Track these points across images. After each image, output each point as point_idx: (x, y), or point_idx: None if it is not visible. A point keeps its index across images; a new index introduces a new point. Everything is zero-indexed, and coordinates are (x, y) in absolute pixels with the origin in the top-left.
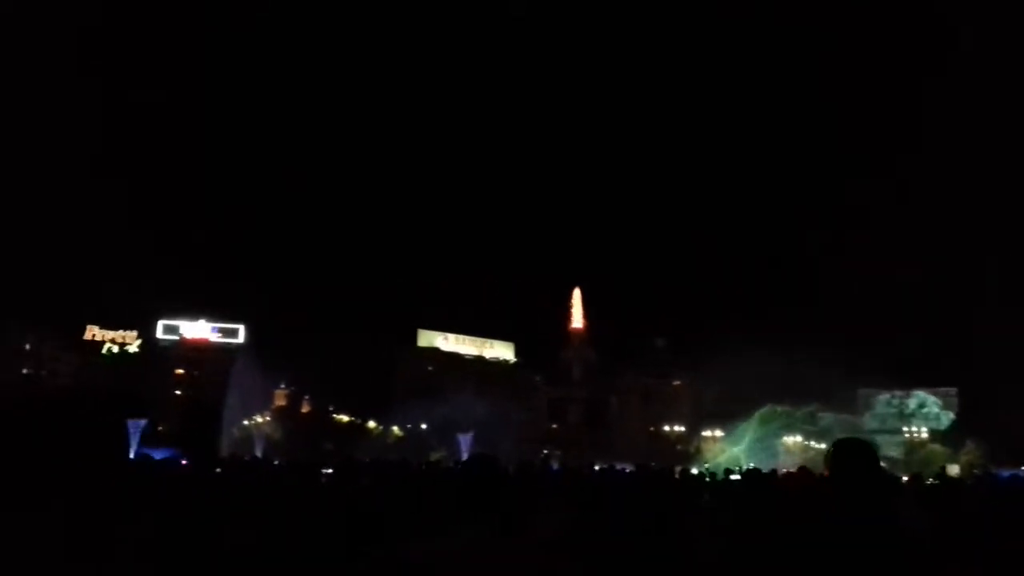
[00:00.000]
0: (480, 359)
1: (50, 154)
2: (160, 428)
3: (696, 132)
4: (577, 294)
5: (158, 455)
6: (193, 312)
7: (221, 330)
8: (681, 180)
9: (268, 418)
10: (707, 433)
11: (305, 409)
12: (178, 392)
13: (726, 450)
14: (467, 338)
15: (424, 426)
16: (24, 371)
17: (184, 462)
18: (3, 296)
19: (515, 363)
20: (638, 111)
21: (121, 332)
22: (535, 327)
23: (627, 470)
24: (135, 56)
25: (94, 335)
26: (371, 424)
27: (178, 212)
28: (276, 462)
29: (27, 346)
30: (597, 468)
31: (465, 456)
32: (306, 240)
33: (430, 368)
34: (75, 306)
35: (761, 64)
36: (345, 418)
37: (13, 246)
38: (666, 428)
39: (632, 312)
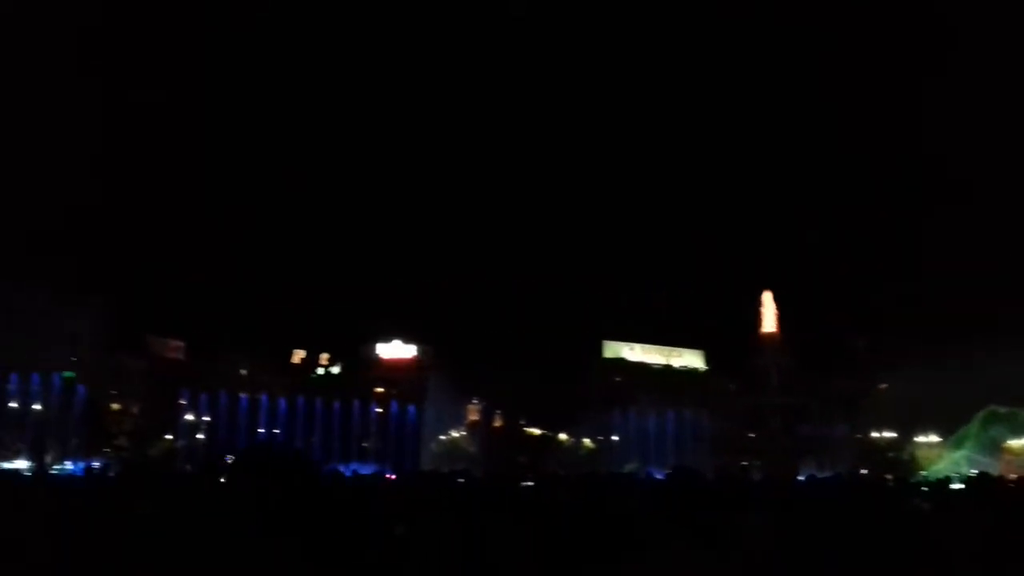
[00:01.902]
0: (668, 368)
1: (255, 197)
2: (365, 445)
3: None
4: (768, 297)
5: (364, 470)
6: (389, 334)
7: (415, 350)
8: (869, 174)
9: (463, 433)
10: (921, 439)
11: (497, 423)
12: (379, 410)
13: (944, 456)
14: (654, 347)
15: (615, 437)
16: (242, 394)
17: (389, 476)
18: (221, 327)
19: (705, 371)
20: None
21: (325, 355)
22: (724, 334)
23: (833, 479)
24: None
25: (302, 359)
26: (562, 436)
27: (366, 239)
28: (465, 475)
29: (243, 371)
30: (801, 478)
31: (655, 468)
32: (492, 259)
33: (617, 379)
34: (283, 333)
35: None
36: (536, 431)
37: (226, 281)
38: (874, 434)
39: (826, 313)
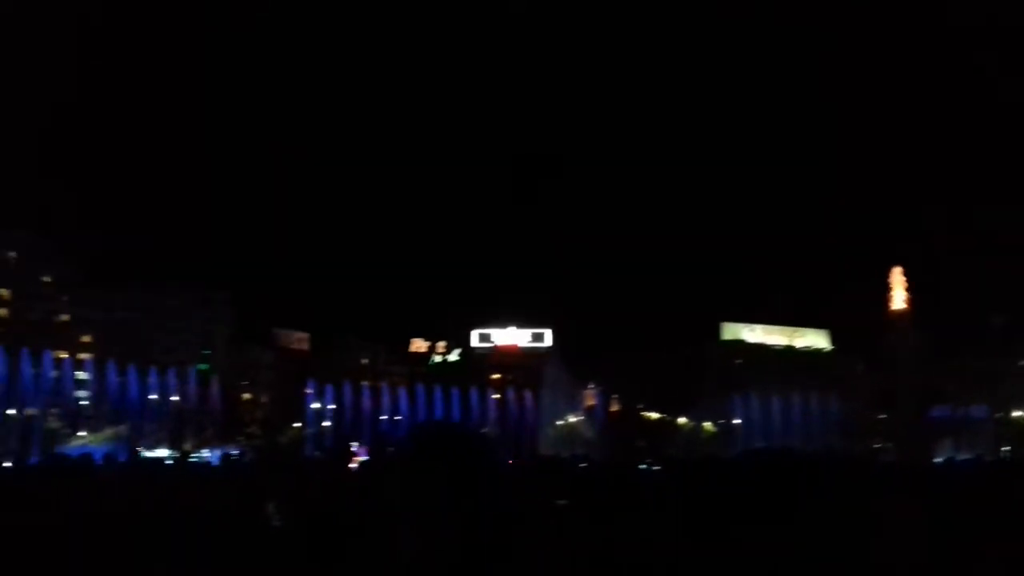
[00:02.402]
0: (790, 349)
1: (370, 189)
2: (484, 431)
3: None
4: (897, 273)
5: None
6: (503, 320)
7: (530, 335)
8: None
9: (580, 417)
10: None
11: (614, 408)
12: (496, 396)
13: None
14: (775, 328)
15: (737, 421)
16: (363, 383)
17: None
18: (343, 318)
19: (831, 351)
20: None
21: (442, 343)
22: (850, 312)
23: (972, 461)
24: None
25: (419, 347)
26: (681, 420)
27: (481, 226)
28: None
29: (364, 360)
30: (939, 461)
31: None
32: (606, 243)
33: (737, 361)
34: (402, 322)
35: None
36: (654, 415)
37: (347, 273)
38: (1016, 413)
39: (960, 289)
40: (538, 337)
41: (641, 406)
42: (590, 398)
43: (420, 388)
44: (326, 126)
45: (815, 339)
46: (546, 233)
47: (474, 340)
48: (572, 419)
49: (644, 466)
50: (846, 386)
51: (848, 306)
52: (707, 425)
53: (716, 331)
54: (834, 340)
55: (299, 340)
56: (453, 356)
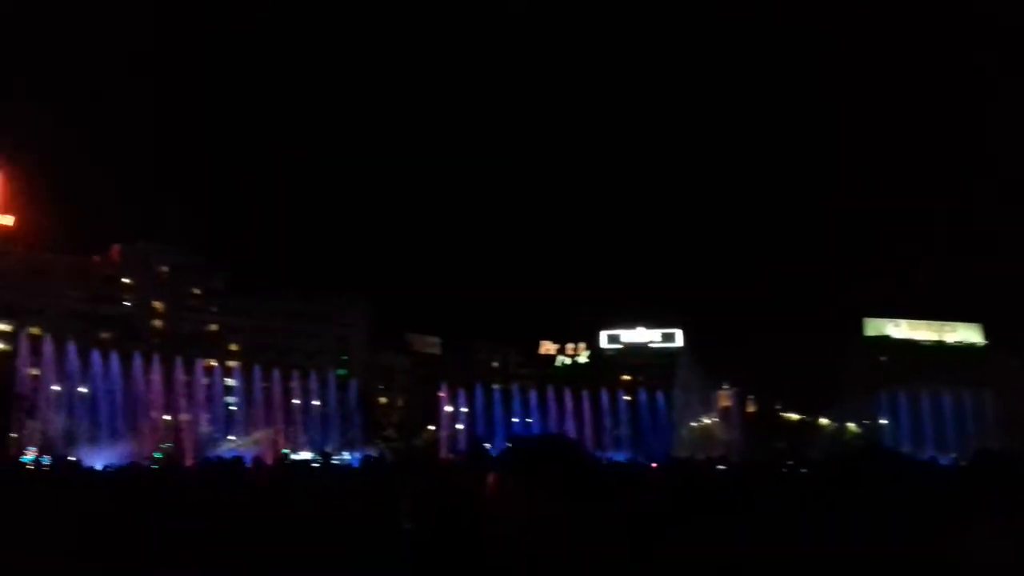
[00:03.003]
0: (940, 345)
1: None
2: (616, 433)
3: None
4: None
5: (618, 458)
6: (632, 320)
7: (660, 335)
8: None
9: (715, 419)
10: None
11: (751, 409)
12: (627, 398)
13: None
14: (923, 323)
15: (883, 421)
16: (495, 386)
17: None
18: (474, 320)
19: (984, 346)
20: None
21: (571, 344)
22: (1005, 304)
23: None
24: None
25: (548, 349)
26: (823, 421)
27: (606, 226)
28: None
29: (494, 363)
30: None
31: (938, 454)
32: (738, 238)
33: (882, 358)
34: (531, 324)
35: None
36: (794, 416)
37: (476, 278)
38: None
39: None
40: (668, 337)
41: (779, 407)
42: (725, 399)
43: (550, 390)
44: (451, 132)
45: (967, 333)
46: (674, 231)
47: (603, 341)
48: (706, 420)
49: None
50: (1002, 383)
51: (1002, 298)
52: (851, 426)
53: (859, 327)
54: (987, 335)
55: (431, 344)
56: (582, 357)
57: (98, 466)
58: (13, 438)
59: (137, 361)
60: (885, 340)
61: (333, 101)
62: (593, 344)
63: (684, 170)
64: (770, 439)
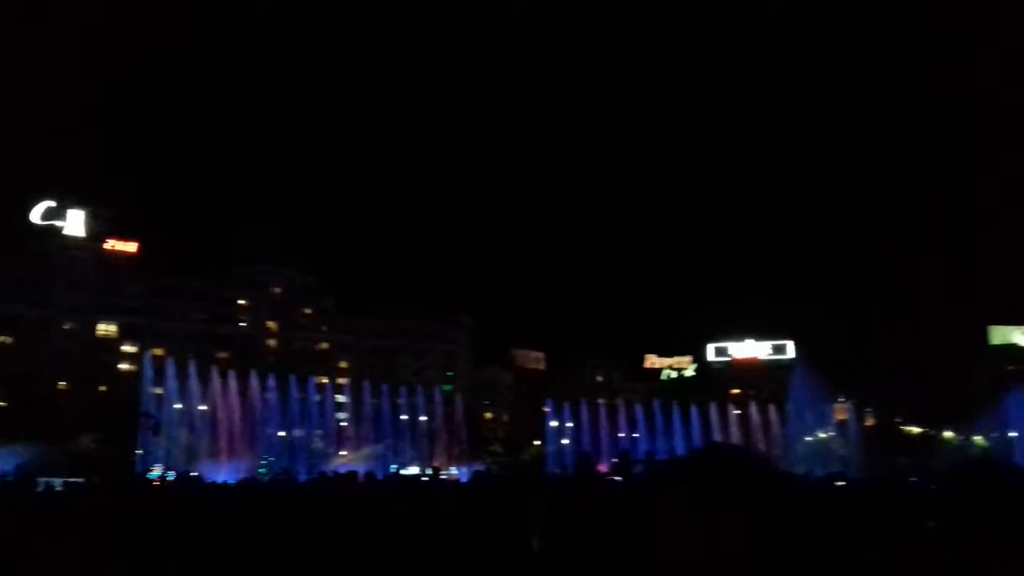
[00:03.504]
0: None
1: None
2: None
3: None
4: None
5: None
6: (740, 333)
7: (770, 347)
8: None
9: (831, 433)
10: None
11: (869, 422)
12: (737, 412)
13: None
14: None
15: (1013, 433)
16: (600, 400)
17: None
18: (578, 335)
19: None
20: None
21: (677, 358)
22: None
23: None
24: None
25: (653, 363)
26: (947, 434)
27: (708, 239)
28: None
29: (599, 378)
30: None
31: None
32: (845, 246)
33: (1010, 367)
34: (636, 338)
35: None
36: (916, 429)
37: (580, 293)
38: None
39: None
40: (779, 349)
41: (899, 420)
42: (841, 412)
43: (657, 405)
44: (554, 144)
45: None
46: (784, 239)
47: (710, 354)
48: (822, 435)
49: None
50: None
51: None
52: (978, 439)
53: (984, 335)
54: None
55: (535, 360)
56: (689, 371)
57: (218, 480)
58: (139, 454)
59: (253, 380)
60: (1012, 348)
61: (435, 124)
62: (700, 357)
63: (794, 175)
64: (891, 454)
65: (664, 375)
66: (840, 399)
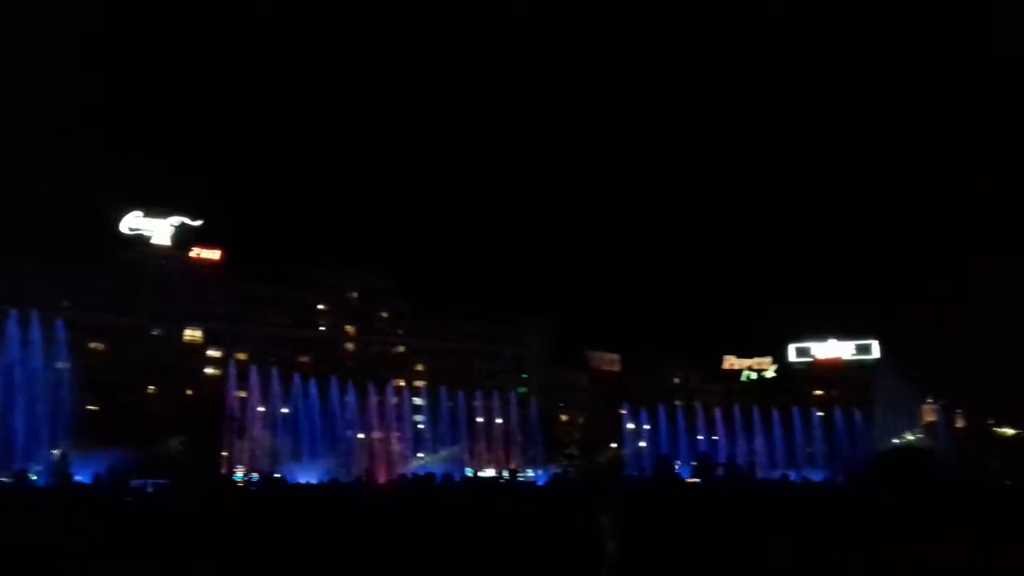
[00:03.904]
0: None
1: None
2: (809, 450)
3: None
4: None
5: (815, 477)
6: (823, 332)
7: (854, 347)
8: None
9: (919, 435)
10: None
11: (960, 423)
12: (819, 413)
13: None
14: None
15: None
16: (676, 402)
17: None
18: (654, 336)
19: None
20: None
21: (756, 359)
22: None
23: None
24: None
25: (732, 364)
26: None
27: (786, 235)
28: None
29: (676, 380)
30: None
31: None
32: (932, 238)
33: None
34: (713, 339)
35: None
36: (1009, 431)
37: (654, 293)
38: None
39: None
40: (863, 349)
41: (992, 421)
42: (930, 413)
43: (736, 407)
44: (622, 146)
45: None
46: (866, 235)
47: (791, 354)
48: (909, 436)
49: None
50: None
51: None
52: None
53: None
54: None
55: (610, 361)
56: (769, 372)
57: (301, 482)
58: (224, 456)
59: (333, 383)
60: None
61: (513, 124)
62: (780, 358)
63: (879, 170)
64: (983, 456)
65: (744, 376)
66: (928, 400)
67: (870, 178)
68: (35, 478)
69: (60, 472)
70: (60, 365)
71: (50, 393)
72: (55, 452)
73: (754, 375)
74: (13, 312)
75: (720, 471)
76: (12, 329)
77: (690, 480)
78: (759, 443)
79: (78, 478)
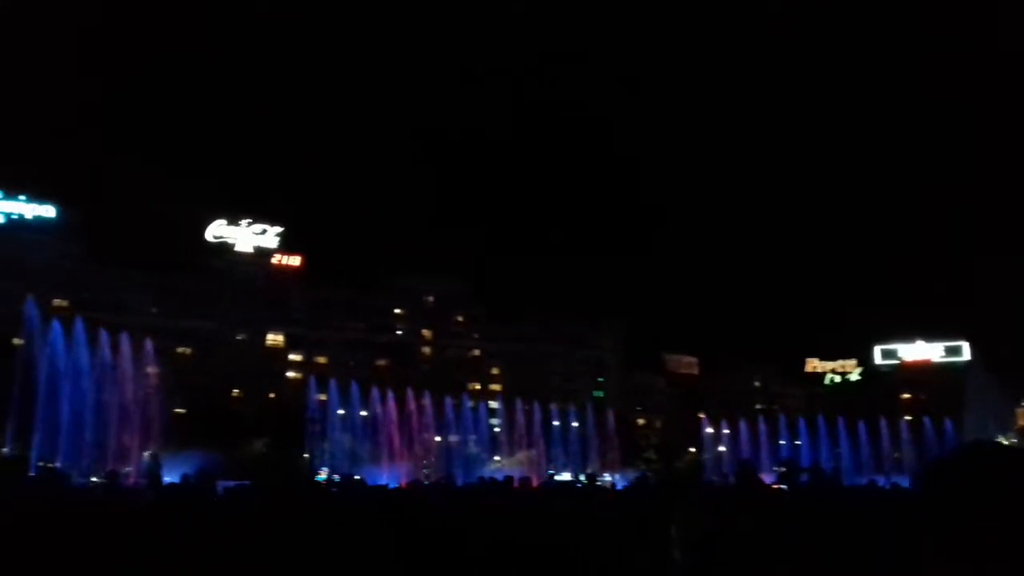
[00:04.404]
0: None
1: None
2: (897, 456)
3: None
4: None
5: (905, 483)
6: (910, 333)
7: (943, 349)
8: None
9: (1013, 440)
10: None
11: None
12: (907, 417)
13: None
14: None
15: None
16: (757, 406)
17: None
18: (733, 338)
19: None
20: None
21: (840, 362)
22: None
23: None
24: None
25: (815, 367)
26: None
27: (872, 234)
28: None
29: (756, 383)
30: None
31: None
32: (1017, 245)
33: None
34: (795, 341)
35: None
36: None
37: (735, 297)
38: None
39: None
40: (953, 351)
41: None
42: (1023, 416)
43: (820, 411)
44: (698, 144)
45: None
46: (955, 230)
47: (877, 357)
48: (1004, 441)
49: None
50: None
51: None
52: None
53: None
54: None
55: (688, 364)
56: (853, 375)
57: (381, 484)
58: (306, 458)
59: (409, 387)
60: None
61: (580, 123)
62: (866, 360)
63: (968, 163)
64: None
65: (827, 380)
66: (1022, 403)
67: (962, 172)
68: (129, 479)
69: (152, 473)
70: (149, 370)
71: (140, 397)
72: (145, 454)
73: (838, 378)
74: (105, 319)
75: (804, 477)
76: (104, 335)
77: (775, 486)
78: (844, 448)
79: (167, 479)
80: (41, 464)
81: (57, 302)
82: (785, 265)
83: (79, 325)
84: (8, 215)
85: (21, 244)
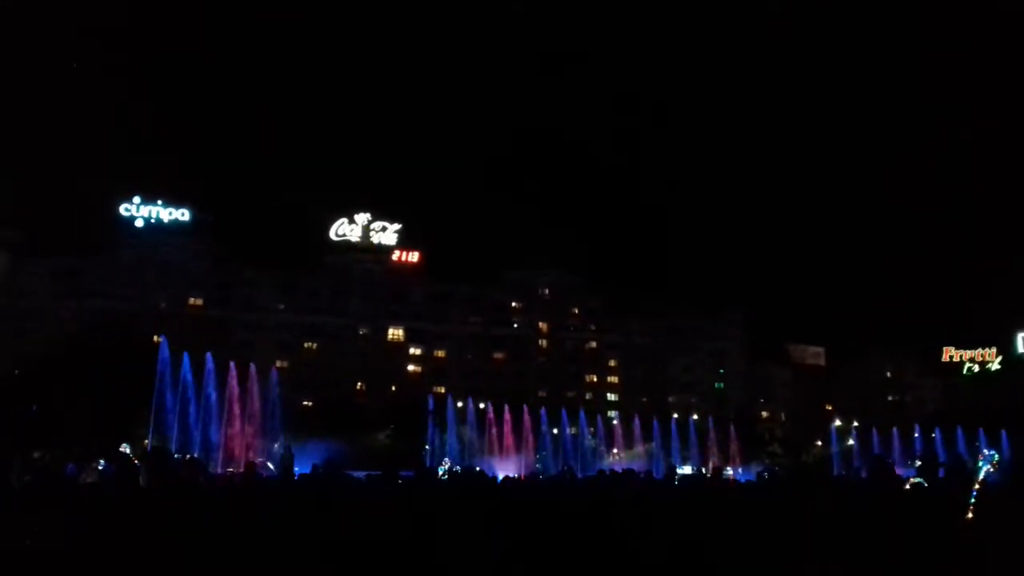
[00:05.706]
0: None
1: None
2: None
3: None
4: None
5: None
6: None
7: None
8: None
9: None
10: None
11: None
12: None
13: None
14: None
15: None
16: (889, 398)
17: None
18: (862, 327)
19: None
20: None
21: (980, 350)
22: None
23: None
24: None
25: (952, 356)
26: None
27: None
28: None
29: (888, 374)
30: None
31: None
32: None
33: None
34: (932, 330)
35: None
36: None
37: (861, 283)
38: None
39: None
40: None
41: None
42: None
43: (956, 402)
44: (810, 135)
45: None
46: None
47: (1019, 345)
48: None
49: None
50: None
51: None
52: None
53: None
54: None
55: (813, 355)
56: (994, 364)
57: (500, 475)
58: (427, 449)
59: (527, 379)
60: None
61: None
62: (1007, 348)
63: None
64: None
65: (965, 369)
66: None
67: None
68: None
69: (285, 464)
70: (279, 364)
71: (270, 391)
72: (276, 445)
73: (976, 368)
74: (236, 316)
75: (941, 472)
76: (240, 333)
77: (913, 481)
78: (981, 440)
79: (297, 469)
80: (178, 456)
81: (192, 300)
82: (917, 247)
83: (210, 363)
84: (147, 219)
85: (158, 246)
